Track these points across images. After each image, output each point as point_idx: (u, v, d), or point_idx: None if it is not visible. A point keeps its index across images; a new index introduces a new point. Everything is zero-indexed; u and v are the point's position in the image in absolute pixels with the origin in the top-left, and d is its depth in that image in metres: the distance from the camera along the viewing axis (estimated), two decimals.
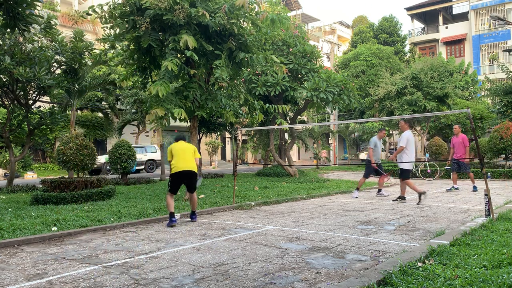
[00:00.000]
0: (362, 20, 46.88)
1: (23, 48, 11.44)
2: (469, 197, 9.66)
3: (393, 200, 9.24)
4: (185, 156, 6.95)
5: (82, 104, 17.60)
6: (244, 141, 31.46)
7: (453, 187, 11.41)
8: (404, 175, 8.91)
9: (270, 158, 24.78)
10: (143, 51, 9.08)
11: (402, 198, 9.12)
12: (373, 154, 10.21)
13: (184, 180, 6.99)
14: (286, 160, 17.70)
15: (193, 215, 7.05)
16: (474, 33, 36.40)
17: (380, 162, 10.32)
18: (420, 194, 8.55)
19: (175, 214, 6.94)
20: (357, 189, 10.34)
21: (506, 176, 14.52)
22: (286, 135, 20.11)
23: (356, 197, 10.02)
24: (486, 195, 6.18)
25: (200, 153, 7.65)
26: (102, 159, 19.49)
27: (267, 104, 13.07)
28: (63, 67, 12.64)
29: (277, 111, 12.96)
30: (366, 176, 10.35)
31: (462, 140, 11.05)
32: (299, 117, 22.39)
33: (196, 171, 7.03)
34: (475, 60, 35.83)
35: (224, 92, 9.78)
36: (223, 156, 36.57)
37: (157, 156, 23.15)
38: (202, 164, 18.16)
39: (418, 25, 41.61)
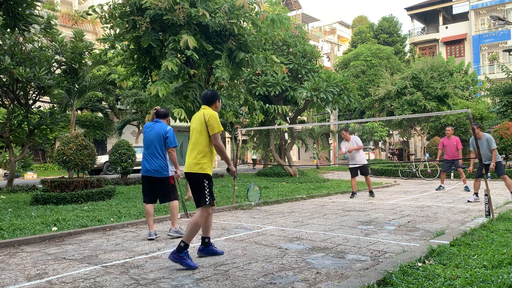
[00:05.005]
0: (362, 20, 46.87)
1: (23, 48, 11.44)
2: (469, 197, 9.65)
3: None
4: (190, 141, 4.43)
5: (82, 104, 17.62)
6: (244, 141, 31.44)
7: (441, 186, 11.58)
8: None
9: (270, 158, 24.79)
10: (143, 51, 9.08)
11: None
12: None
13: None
14: (286, 160, 17.71)
15: (201, 247, 4.55)
16: (474, 33, 36.40)
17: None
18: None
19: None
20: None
21: None
22: (286, 135, 20.11)
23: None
24: (486, 195, 6.18)
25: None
26: (102, 159, 19.51)
27: (267, 104, 13.06)
28: (63, 67, 12.65)
29: (276, 112, 12.95)
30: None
31: (456, 143, 11.18)
32: (299, 117, 22.39)
33: (195, 171, 4.25)
34: (475, 60, 35.83)
35: (224, 92, 9.78)
36: None
37: None
38: None
39: (418, 25, 41.61)
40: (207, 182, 4.25)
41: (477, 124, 8.20)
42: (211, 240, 4.70)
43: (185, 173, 4.36)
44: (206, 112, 4.34)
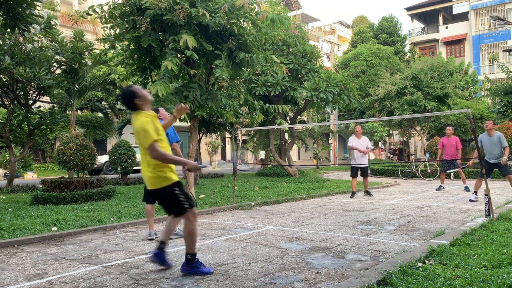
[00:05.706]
0: (362, 20, 46.87)
1: (23, 48, 11.44)
2: (469, 197, 9.65)
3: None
4: (140, 153, 3.97)
5: (82, 104, 17.61)
6: (244, 141, 31.45)
7: (441, 186, 11.60)
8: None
9: (270, 158, 24.78)
10: (143, 51, 9.07)
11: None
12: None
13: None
14: (286, 160, 17.71)
15: (184, 264, 3.88)
16: (474, 33, 36.40)
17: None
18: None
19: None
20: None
21: None
22: (286, 135, 20.11)
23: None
24: (486, 195, 6.18)
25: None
26: (102, 159, 19.51)
27: (267, 104, 13.07)
28: (63, 67, 12.65)
29: (277, 111, 12.96)
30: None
31: (455, 143, 11.18)
32: (299, 117, 22.39)
33: (160, 186, 3.78)
34: (475, 60, 35.83)
35: (224, 92, 9.78)
36: (223, 156, 36.58)
37: None
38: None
39: (418, 25, 41.62)
40: (177, 189, 3.76)
41: (492, 120, 8.20)
42: (212, 240, 4.69)
43: (149, 190, 3.88)
44: (135, 126, 3.67)
